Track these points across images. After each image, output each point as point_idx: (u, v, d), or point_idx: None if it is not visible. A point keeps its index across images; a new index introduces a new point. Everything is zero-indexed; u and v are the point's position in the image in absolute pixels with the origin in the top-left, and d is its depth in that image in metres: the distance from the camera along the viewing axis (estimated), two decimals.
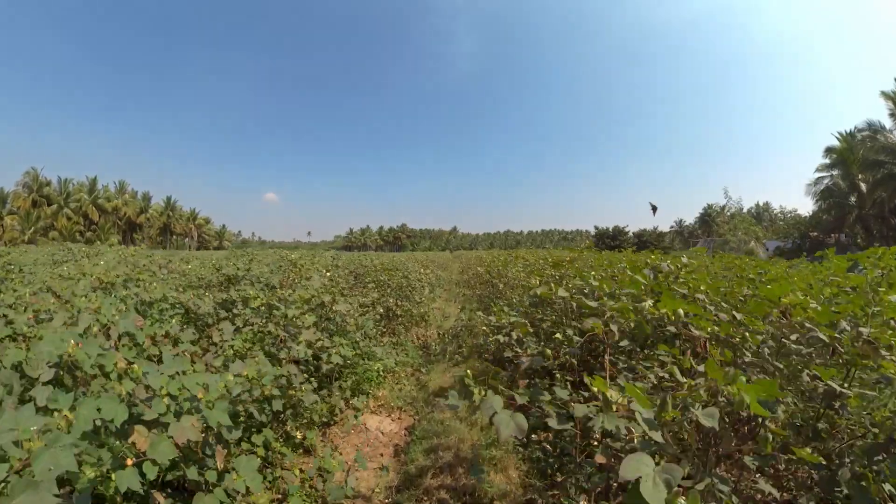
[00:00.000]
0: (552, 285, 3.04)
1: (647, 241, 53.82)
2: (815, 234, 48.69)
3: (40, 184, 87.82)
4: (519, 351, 3.42)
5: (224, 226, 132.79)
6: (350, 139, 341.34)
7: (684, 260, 4.11)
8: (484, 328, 4.24)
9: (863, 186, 41.15)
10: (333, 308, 4.17)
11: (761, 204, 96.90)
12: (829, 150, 45.53)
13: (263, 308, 4.00)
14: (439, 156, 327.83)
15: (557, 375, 3.24)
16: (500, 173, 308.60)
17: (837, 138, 46.15)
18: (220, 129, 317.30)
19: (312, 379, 3.61)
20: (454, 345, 5.90)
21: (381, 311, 6.27)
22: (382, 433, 4.53)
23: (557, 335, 3.66)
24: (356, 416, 3.49)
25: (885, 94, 39.16)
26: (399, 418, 4.80)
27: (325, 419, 3.75)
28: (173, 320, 4.47)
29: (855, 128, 43.72)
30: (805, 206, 76.15)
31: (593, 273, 3.81)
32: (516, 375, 4.54)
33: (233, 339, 3.92)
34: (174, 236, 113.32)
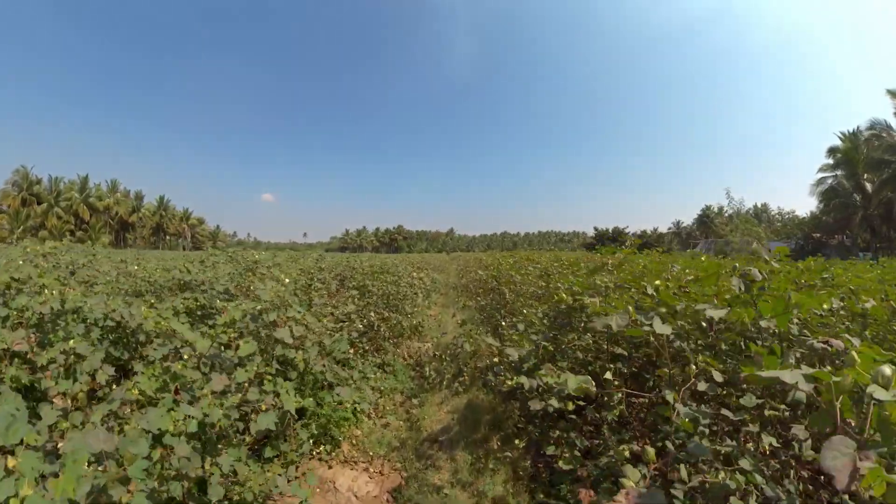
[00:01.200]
0: (630, 310, 1.86)
1: (646, 243, 52.91)
2: (819, 234, 47.87)
3: (30, 182, 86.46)
4: (558, 406, 2.24)
5: (218, 226, 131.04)
6: (347, 141, 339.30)
7: (775, 264, 2.96)
8: (496, 359, 3.07)
9: (868, 186, 40.29)
10: (276, 333, 2.98)
11: (759, 205, 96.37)
12: (832, 150, 44.68)
13: (166, 333, 2.80)
14: (437, 157, 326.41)
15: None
16: (497, 175, 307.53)
17: (840, 138, 45.38)
18: (217, 130, 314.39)
19: (244, 438, 2.42)
20: (453, 368, 4.74)
21: (362, 326, 5.07)
22: (356, 496, 3.34)
23: (608, 376, 2.50)
24: None
25: (891, 93, 38.24)
26: (381, 473, 3.60)
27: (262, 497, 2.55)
28: (71, 341, 3.28)
29: (858, 128, 42.95)
30: (802, 208, 75.73)
31: (657, 283, 2.65)
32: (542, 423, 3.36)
33: (139, 377, 2.73)
34: (168, 236, 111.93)
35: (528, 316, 4.81)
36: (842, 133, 46.36)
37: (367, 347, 5.34)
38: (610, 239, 51.98)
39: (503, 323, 4.80)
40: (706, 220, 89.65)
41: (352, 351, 4.52)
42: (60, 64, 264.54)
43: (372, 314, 5.36)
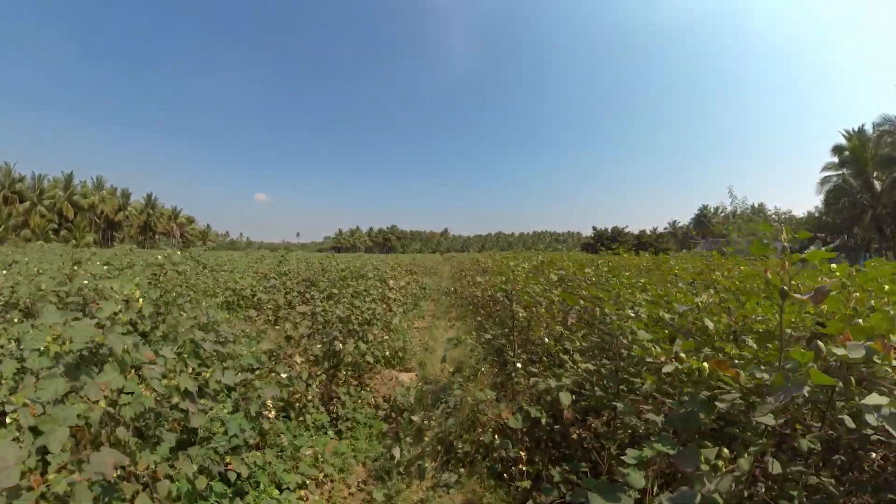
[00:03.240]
0: None
1: (646, 243, 51.48)
2: (823, 234, 46.73)
3: (12, 180, 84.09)
4: None
5: (209, 225, 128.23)
6: (343, 141, 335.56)
7: None
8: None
9: (877, 185, 38.96)
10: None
11: (756, 205, 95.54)
12: (837, 149, 43.39)
13: None
14: (432, 158, 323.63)
15: None
16: (492, 175, 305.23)
17: (845, 136, 44.17)
18: (210, 128, 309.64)
19: None
20: (445, 436, 2.96)
21: (285, 375, 3.19)
22: None
23: None
24: None
25: None
26: None
27: None
28: None
29: (862, 125, 41.80)
30: (799, 208, 74.75)
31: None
32: None
33: None
34: (156, 235, 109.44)
35: (554, 351, 3.05)
36: (846, 131, 45.15)
37: (309, 398, 3.52)
38: (609, 239, 50.39)
39: (518, 364, 3.04)
40: (703, 219, 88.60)
41: (270, 415, 2.76)
42: (51, 64, 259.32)
43: (297, 360, 3.45)
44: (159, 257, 4.39)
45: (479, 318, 5.58)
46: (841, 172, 42.44)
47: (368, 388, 4.23)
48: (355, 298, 4.78)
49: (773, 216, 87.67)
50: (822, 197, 44.43)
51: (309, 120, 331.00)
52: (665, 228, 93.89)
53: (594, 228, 61.90)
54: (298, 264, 10.16)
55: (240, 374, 2.86)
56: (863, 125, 41.96)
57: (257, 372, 2.97)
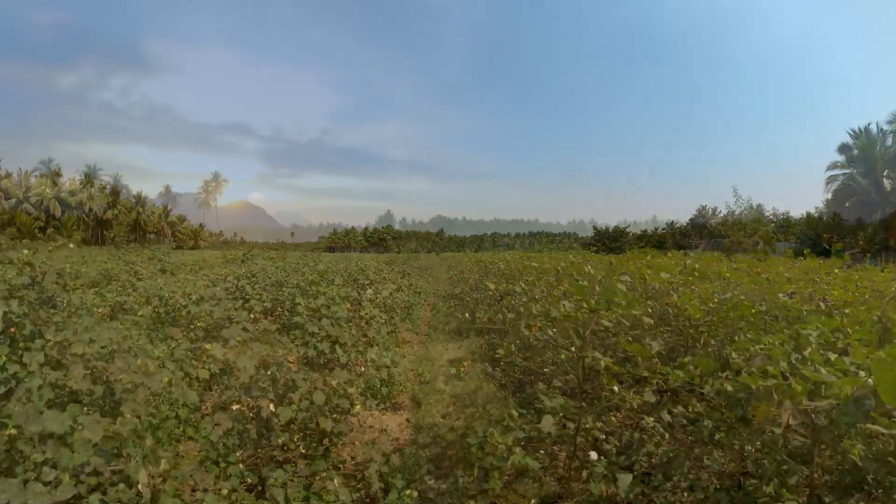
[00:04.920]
0: None
1: (647, 243, 50.35)
2: (829, 235, 45.80)
3: None
4: None
5: (202, 224, 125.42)
6: (340, 139, 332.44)
7: None
8: None
9: (886, 184, 37.93)
10: None
11: (754, 206, 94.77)
12: (844, 148, 42.38)
13: None
14: (429, 158, 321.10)
15: None
16: (489, 176, 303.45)
17: (851, 135, 43.20)
18: (208, 126, 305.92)
19: None
20: None
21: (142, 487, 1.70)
22: None
23: None
24: None
25: None
26: None
27: None
28: None
29: (868, 124, 40.83)
30: (796, 209, 73.82)
31: None
32: None
33: None
34: (147, 234, 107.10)
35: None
36: (853, 130, 44.16)
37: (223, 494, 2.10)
38: (611, 238, 49.24)
39: (592, 454, 1.60)
40: (702, 219, 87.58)
41: None
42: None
43: (142, 479, 1.87)
44: (25, 252, 2.93)
45: (500, 351, 4.03)
46: (848, 171, 41.44)
47: (331, 461, 2.75)
48: (309, 321, 3.26)
49: (771, 217, 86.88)
50: (828, 196, 43.38)
51: (307, 120, 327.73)
52: (663, 228, 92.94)
53: (595, 228, 60.74)
54: (274, 263, 8.70)
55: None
56: (868, 124, 41.11)
57: (91, 479, 1.49)
